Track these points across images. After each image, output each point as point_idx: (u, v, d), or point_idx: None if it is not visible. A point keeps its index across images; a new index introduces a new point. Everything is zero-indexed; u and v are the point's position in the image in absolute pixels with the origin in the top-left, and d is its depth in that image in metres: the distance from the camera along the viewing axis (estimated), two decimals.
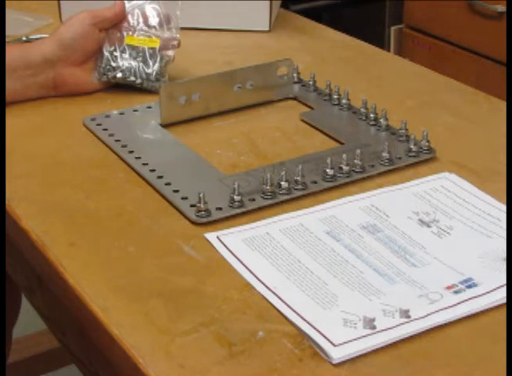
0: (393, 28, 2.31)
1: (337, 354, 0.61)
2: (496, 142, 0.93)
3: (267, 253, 0.73)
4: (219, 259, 0.73)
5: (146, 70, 1.03)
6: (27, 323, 1.51)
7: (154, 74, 1.03)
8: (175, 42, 1.06)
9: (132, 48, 1.04)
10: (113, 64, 1.03)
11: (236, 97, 1.00)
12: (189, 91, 0.97)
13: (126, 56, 1.04)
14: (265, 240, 0.75)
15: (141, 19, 1.06)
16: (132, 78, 1.03)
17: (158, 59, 1.04)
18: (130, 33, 1.05)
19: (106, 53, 1.03)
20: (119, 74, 1.03)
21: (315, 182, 0.83)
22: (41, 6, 1.34)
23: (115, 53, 1.03)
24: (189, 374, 0.60)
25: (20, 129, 0.96)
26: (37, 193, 0.83)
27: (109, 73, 1.03)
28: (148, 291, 0.69)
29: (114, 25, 1.04)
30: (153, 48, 1.04)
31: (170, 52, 1.05)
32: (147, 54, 1.04)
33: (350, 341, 0.62)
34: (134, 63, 1.03)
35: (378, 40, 2.26)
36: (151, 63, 1.04)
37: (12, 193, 0.82)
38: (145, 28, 1.06)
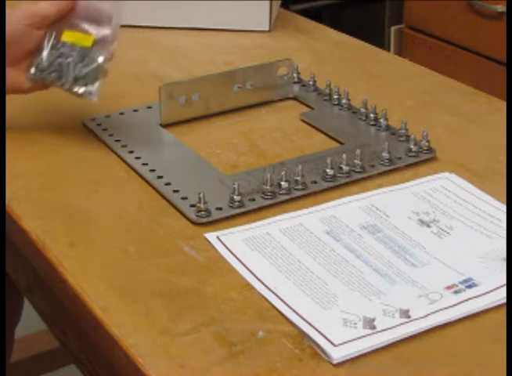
0: (393, 28, 2.30)
1: (337, 354, 0.61)
2: (496, 142, 0.93)
3: (267, 253, 0.73)
4: (219, 259, 0.73)
5: (75, 72, 0.92)
6: (28, 323, 1.51)
7: (82, 77, 0.92)
8: (112, 45, 0.94)
9: (68, 46, 0.93)
10: (45, 64, 0.92)
11: (236, 97, 1.00)
12: (189, 91, 0.97)
13: (59, 54, 0.92)
14: (265, 240, 0.75)
15: (81, 14, 0.94)
16: (61, 81, 0.92)
17: (90, 60, 0.93)
18: (68, 28, 0.93)
19: (44, 52, 0.92)
20: (51, 75, 0.93)
21: (315, 182, 0.83)
22: None
23: (52, 51, 0.93)
24: (189, 374, 0.60)
25: (20, 129, 0.96)
26: (37, 193, 0.83)
27: (41, 73, 0.93)
28: (148, 291, 0.69)
29: (59, 21, 0.93)
30: (86, 48, 0.93)
31: (102, 56, 0.93)
32: (79, 54, 0.93)
33: (350, 341, 0.62)
34: (65, 63, 0.92)
35: (378, 40, 2.26)
36: (80, 66, 0.92)
37: (12, 193, 0.82)
38: (83, 25, 0.94)
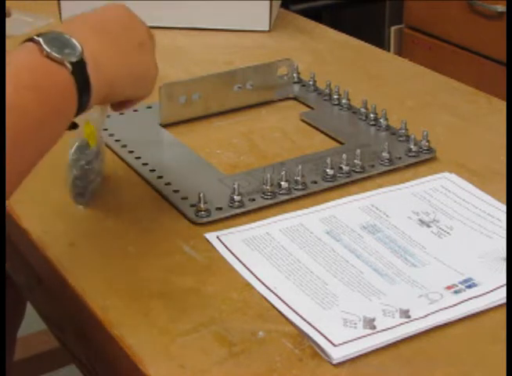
0: (393, 28, 2.31)
1: (337, 354, 0.61)
2: (496, 142, 0.93)
3: (267, 253, 0.73)
4: (219, 259, 0.73)
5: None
6: (28, 323, 1.51)
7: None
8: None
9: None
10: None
11: (236, 97, 1.00)
12: (189, 91, 0.97)
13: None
14: (265, 240, 0.75)
15: None
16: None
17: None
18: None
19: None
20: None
21: (315, 182, 0.83)
22: (41, 6, 1.34)
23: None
24: (189, 374, 0.60)
25: None
26: (37, 193, 0.83)
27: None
28: (148, 291, 0.69)
29: None
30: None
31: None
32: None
33: (350, 341, 0.62)
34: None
35: (378, 40, 2.26)
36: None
37: (12, 193, 0.82)
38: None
